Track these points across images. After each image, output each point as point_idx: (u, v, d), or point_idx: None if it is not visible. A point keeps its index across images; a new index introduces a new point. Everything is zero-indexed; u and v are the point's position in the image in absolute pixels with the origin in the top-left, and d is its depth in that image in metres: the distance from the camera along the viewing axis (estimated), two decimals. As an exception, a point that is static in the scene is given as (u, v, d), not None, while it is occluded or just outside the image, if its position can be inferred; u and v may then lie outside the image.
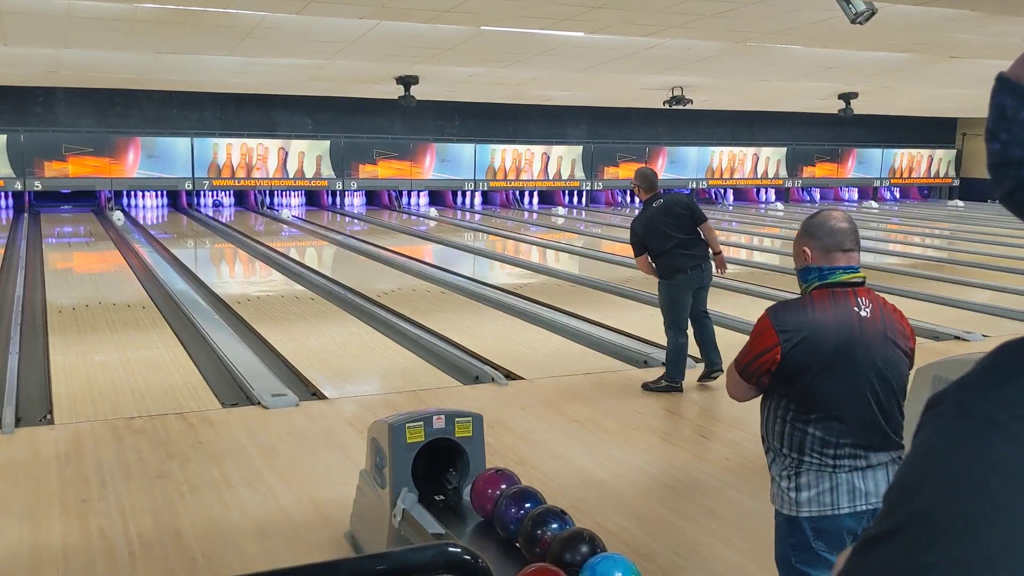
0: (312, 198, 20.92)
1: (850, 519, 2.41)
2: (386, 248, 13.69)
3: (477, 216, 20.32)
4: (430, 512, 3.21)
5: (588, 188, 22.64)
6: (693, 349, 6.14)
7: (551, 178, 22.21)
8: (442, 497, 3.37)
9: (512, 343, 7.51)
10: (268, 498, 4.27)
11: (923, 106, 19.51)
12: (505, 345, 7.33)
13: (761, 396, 2.57)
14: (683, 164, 23.38)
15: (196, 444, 5.01)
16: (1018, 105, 0.70)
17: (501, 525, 3.03)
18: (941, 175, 26.60)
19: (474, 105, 20.40)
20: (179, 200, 19.73)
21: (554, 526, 2.84)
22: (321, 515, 4.11)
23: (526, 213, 21.39)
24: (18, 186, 17.66)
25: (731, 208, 23.20)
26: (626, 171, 22.75)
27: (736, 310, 8.43)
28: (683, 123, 22.34)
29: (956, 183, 26.56)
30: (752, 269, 12.09)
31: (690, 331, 6.04)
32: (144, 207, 19.48)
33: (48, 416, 5.45)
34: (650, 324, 7.94)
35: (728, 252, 13.90)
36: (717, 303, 9.21)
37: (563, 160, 22.15)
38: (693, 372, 6.25)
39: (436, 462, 3.42)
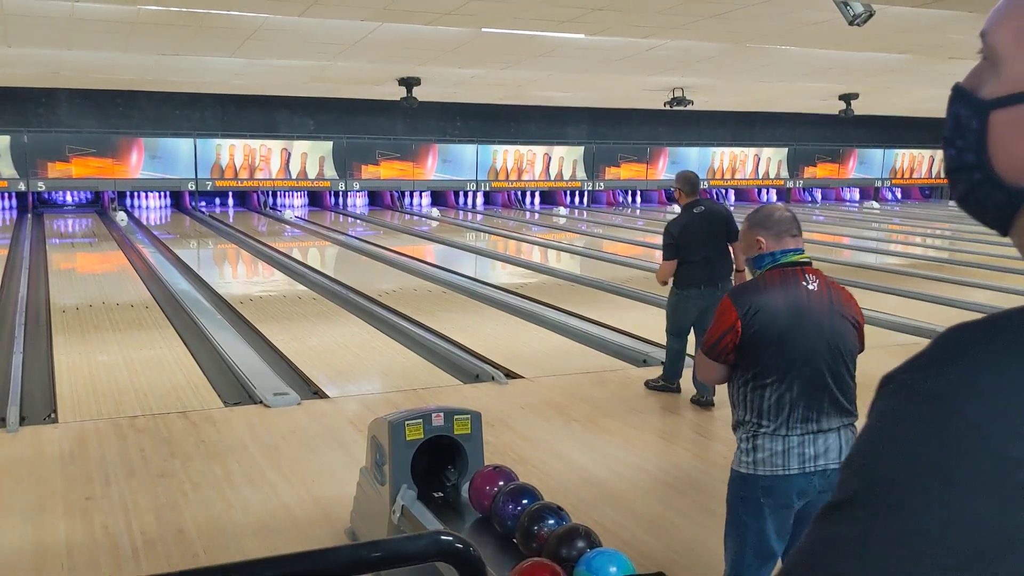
0: (315, 199, 20.98)
1: (800, 479, 2.63)
2: (388, 248, 13.74)
3: (479, 216, 20.37)
4: (429, 509, 3.26)
5: (589, 188, 22.69)
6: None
7: (552, 178, 22.26)
8: (441, 494, 3.41)
9: (512, 342, 7.55)
10: (270, 496, 4.32)
11: (924, 107, 19.53)
12: (505, 344, 7.38)
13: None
14: (684, 165, 23.36)
15: (199, 443, 5.05)
16: (970, 114, 0.74)
17: (499, 521, 3.07)
18: (943, 176, 26.58)
19: (475, 106, 20.46)
20: (181, 201, 19.80)
21: (551, 522, 2.88)
22: (323, 512, 4.15)
23: (527, 213, 21.44)
24: (22, 187, 17.73)
25: (733, 209, 23.22)
26: (627, 171, 22.82)
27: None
28: (684, 124, 22.37)
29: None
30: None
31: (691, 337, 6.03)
32: (147, 208, 19.54)
33: (52, 415, 5.50)
34: (650, 323, 7.98)
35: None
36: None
37: (564, 160, 22.20)
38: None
39: (435, 459, 3.46)
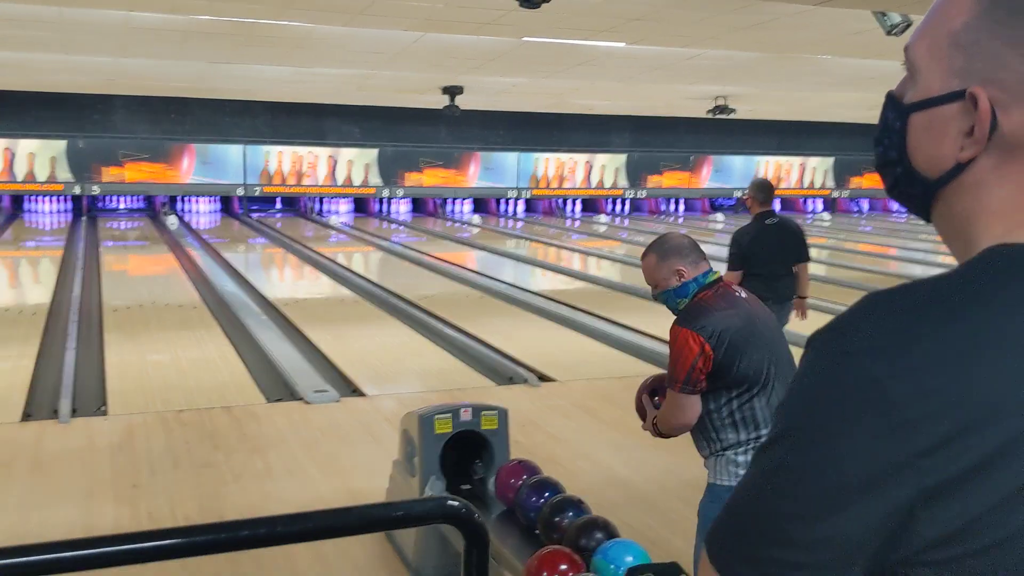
0: (360, 205, 21.30)
1: None
2: (430, 254, 13.95)
3: (519, 224, 20.52)
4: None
5: (631, 196, 22.72)
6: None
7: (594, 186, 22.34)
8: (468, 486, 3.54)
9: (547, 347, 7.66)
10: (307, 487, 4.49)
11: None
12: (540, 348, 7.49)
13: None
14: (728, 173, 23.36)
15: (241, 436, 5.25)
16: (895, 117, 0.87)
17: (522, 512, 3.19)
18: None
19: (518, 114, 20.62)
20: (231, 205, 20.23)
21: (571, 514, 3.00)
22: (357, 503, 4.29)
23: (568, 221, 21.54)
24: (76, 190, 18.27)
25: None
26: (670, 179, 22.80)
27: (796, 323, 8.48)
28: (729, 132, 22.31)
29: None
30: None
31: None
32: (197, 212, 20.00)
33: (102, 408, 5.74)
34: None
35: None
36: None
37: (606, 168, 22.27)
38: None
39: (464, 453, 3.59)
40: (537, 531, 3.11)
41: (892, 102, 0.89)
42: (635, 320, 8.54)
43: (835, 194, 24.75)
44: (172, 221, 17.51)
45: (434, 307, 9.20)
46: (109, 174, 18.31)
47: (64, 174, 18.06)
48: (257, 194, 19.83)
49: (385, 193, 20.72)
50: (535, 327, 8.56)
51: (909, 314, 0.75)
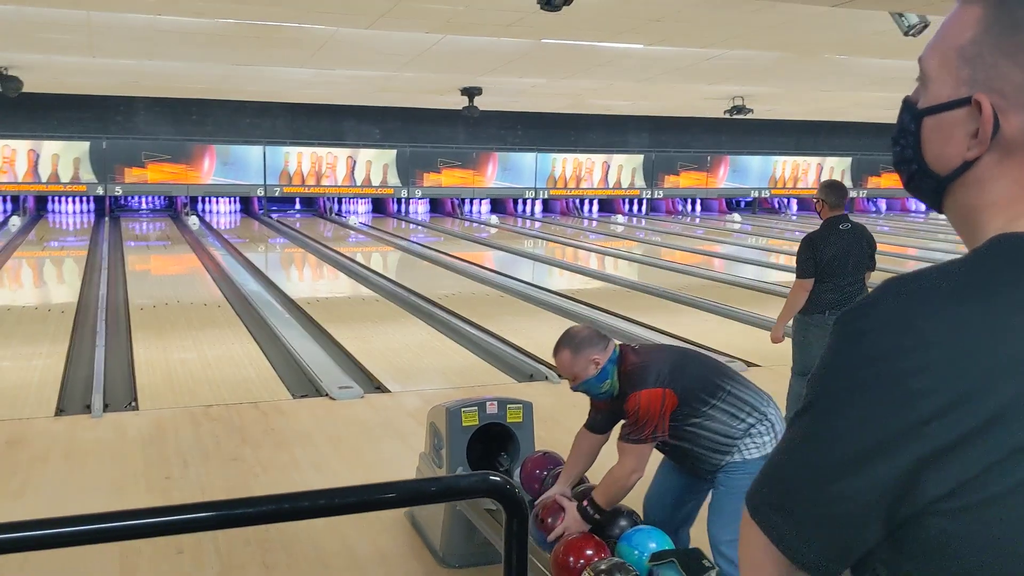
0: (378, 205, 21.45)
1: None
2: (448, 253, 14.06)
3: (537, 224, 20.62)
4: (482, 490, 3.48)
5: (648, 196, 22.77)
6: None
7: (611, 186, 22.40)
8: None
9: (567, 345, 7.74)
10: (333, 480, 4.59)
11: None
12: (560, 346, 7.57)
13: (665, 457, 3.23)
14: (745, 174, 23.36)
15: (268, 431, 5.37)
16: (910, 120, 0.98)
17: (547, 502, 3.28)
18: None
19: (536, 115, 20.72)
20: (251, 206, 20.43)
21: (595, 502, 3.08)
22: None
23: (586, 221, 21.61)
24: (100, 191, 18.50)
25: (795, 218, 23.10)
26: (687, 179, 22.84)
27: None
28: (746, 132, 22.32)
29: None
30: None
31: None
32: (218, 212, 20.21)
33: (133, 403, 5.87)
34: (703, 329, 8.14)
35: (791, 261, 13.98)
36: (779, 310, 9.29)
37: (623, 169, 22.33)
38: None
39: (489, 446, 3.68)
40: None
41: (908, 107, 0.99)
42: (652, 319, 8.62)
43: (853, 194, 24.67)
44: (194, 221, 17.71)
45: (454, 306, 9.31)
46: (132, 175, 18.54)
47: (87, 175, 18.29)
48: (277, 195, 20.01)
49: (403, 193, 20.87)
50: (554, 326, 8.60)
51: (918, 297, 0.86)
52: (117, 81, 14.61)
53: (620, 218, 21.96)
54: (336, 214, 20.64)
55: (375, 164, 20.48)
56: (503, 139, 21.26)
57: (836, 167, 24.25)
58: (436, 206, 22.02)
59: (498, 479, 1.38)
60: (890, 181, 24.93)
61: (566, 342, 3.06)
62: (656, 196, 22.83)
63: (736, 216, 22.67)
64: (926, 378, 0.81)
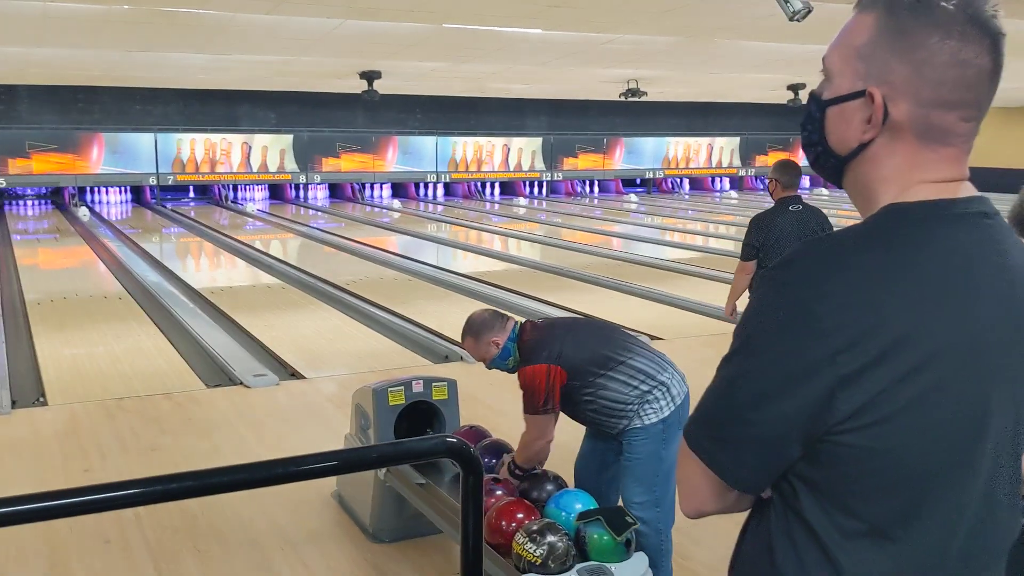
0: (276, 191, 21.12)
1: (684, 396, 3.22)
2: (352, 239, 14.02)
3: (440, 207, 20.68)
4: (411, 466, 3.62)
5: (548, 179, 23.09)
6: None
7: (512, 169, 22.63)
8: (422, 453, 3.77)
9: (478, 326, 7.91)
10: (259, 465, 4.64)
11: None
12: (472, 327, 7.73)
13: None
14: (640, 155, 23.92)
15: (186, 420, 5.36)
16: (816, 109, 1.18)
17: (476, 473, 3.44)
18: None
19: (435, 98, 20.73)
20: (143, 195, 19.86)
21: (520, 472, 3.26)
22: (310, 480, 4.48)
23: (488, 204, 21.78)
24: (-20, 183, 17.68)
25: (687, 197, 23.79)
26: (585, 162, 23.25)
27: (707, 296, 8.96)
28: (641, 114, 22.83)
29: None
30: (707, 255, 12.74)
31: None
32: (108, 203, 19.57)
33: (41, 399, 5.76)
34: (605, 307, 8.43)
35: (685, 239, 14.51)
36: (696, 291, 9.71)
37: (523, 152, 22.57)
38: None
39: (415, 423, 3.81)
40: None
41: (814, 98, 1.19)
42: (556, 297, 8.87)
43: (742, 172, 25.56)
44: (84, 212, 17.11)
45: (362, 291, 9.36)
46: (16, 166, 17.78)
47: (-34, 167, 17.46)
48: (170, 183, 19.50)
49: (301, 179, 20.61)
50: (464, 307, 8.72)
51: (827, 253, 1.07)
52: (1, 70, 13.99)
53: (521, 200, 22.21)
54: (232, 201, 20.24)
55: (271, 150, 20.16)
56: (403, 123, 21.20)
57: (725, 147, 25.06)
58: (336, 191, 21.82)
59: (455, 440, 1.53)
60: (774, 160, 25.86)
61: (467, 329, 3.36)
62: (555, 178, 23.17)
63: (632, 196, 23.21)
64: (836, 318, 1.00)
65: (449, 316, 8.19)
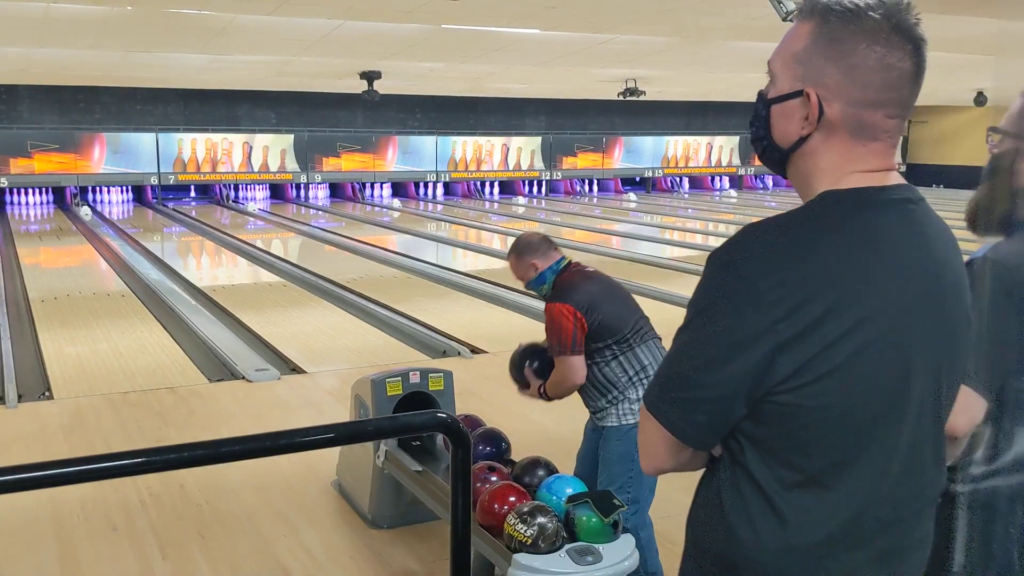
0: (276, 191, 21.23)
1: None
2: (352, 238, 14.13)
3: (439, 207, 20.80)
4: (409, 454, 3.73)
5: (547, 178, 23.20)
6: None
7: (511, 169, 22.74)
8: (419, 442, 3.88)
9: (476, 322, 8.03)
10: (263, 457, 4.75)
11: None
12: (470, 324, 7.85)
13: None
14: (639, 154, 24.03)
15: (189, 413, 5.48)
16: (762, 107, 1.30)
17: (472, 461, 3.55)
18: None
19: (435, 98, 20.85)
20: (144, 195, 19.97)
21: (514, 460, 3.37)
22: (310, 469, 4.61)
23: (487, 203, 21.89)
24: (-17, 183, 17.80)
25: (687, 196, 23.89)
26: (584, 161, 23.36)
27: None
28: (639, 113, 22.95)
29: (903, 168, 27.49)
30: (706, 254, 12.82)
31: None
32: (110, 202, 19.68)
33: (47, 393, 5.87)
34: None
35: (684, 237, 14.62)
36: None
37: (523, 151, 22.68)
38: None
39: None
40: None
41: (760, 97, 1.31)
42: (557, 295, 8.96)
43: (741, 171, 25.66)
44: (86, 212, 17.23)
45: (363, 289, 9.47)
46: (18, 165, 17.90)
47: (-32, 166, 17.58)
48: (172, 182, 19.62)
49: (302, 179, 20.73)
50: (463, 304, 8.91)
51: (769, 234, 1.20)
52: (3, 69, 14.10)
53: (521, 199, 22.32)
54: (233, 201, 20.36)
55: (272, 149, 20.28)
56: (403, 123, 21.32)
57: (725, 146, 25.16)
58: (336, 191, 21.93)
59: (444, 415, 1.64)
60: (776, 159, 25.95)
61: (513, 247, 3.44)
62: (555, 177, 23.28)
63: (631, 195, 23.31)
64: (776, 291, 1.12)
65: (448, 313, 8.32)
